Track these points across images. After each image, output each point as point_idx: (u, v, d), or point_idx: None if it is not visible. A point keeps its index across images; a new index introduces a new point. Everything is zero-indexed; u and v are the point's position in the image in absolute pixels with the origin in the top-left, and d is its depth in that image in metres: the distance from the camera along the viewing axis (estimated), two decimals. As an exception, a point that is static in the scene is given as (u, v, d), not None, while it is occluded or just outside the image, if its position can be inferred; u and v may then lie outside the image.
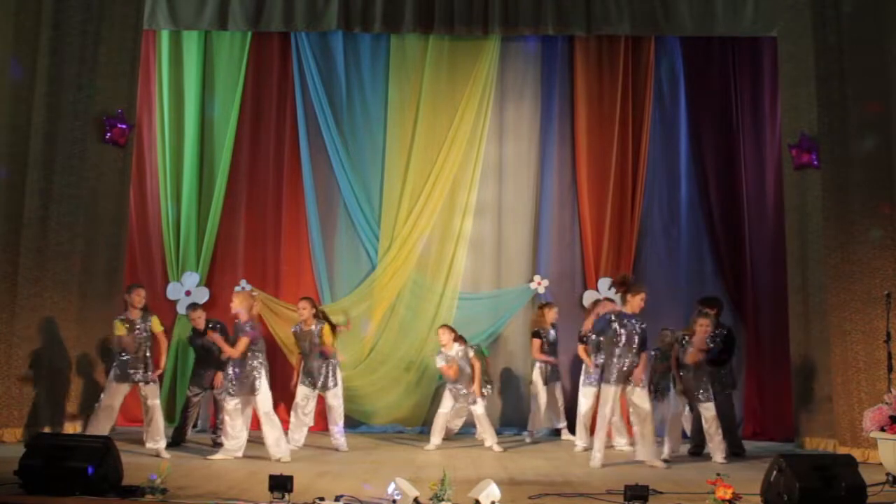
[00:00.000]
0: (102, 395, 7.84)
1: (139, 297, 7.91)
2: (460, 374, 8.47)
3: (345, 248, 10.26)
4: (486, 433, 8.55)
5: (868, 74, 8.31)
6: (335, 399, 8.39)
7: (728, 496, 5.39)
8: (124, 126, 9.04)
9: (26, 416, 8.21)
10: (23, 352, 8.23)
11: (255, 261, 10.18)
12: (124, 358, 7.75)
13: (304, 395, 8.37)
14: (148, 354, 7.82)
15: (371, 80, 10.35)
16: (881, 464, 6.67)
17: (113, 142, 8.99)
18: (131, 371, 7.74)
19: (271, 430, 7.43)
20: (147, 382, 7.76)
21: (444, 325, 8.84)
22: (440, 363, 8.55)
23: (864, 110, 8.29)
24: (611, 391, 7.50)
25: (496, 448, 8.39)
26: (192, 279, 10.01)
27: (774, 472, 5.57)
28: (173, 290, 9.98)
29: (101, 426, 7.66)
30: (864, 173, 8.24)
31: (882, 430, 6.62)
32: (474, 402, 8.53)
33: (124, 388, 7.81)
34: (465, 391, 8.49)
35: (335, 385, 8.37)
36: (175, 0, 9.92)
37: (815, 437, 8.71)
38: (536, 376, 9.06)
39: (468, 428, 9.31)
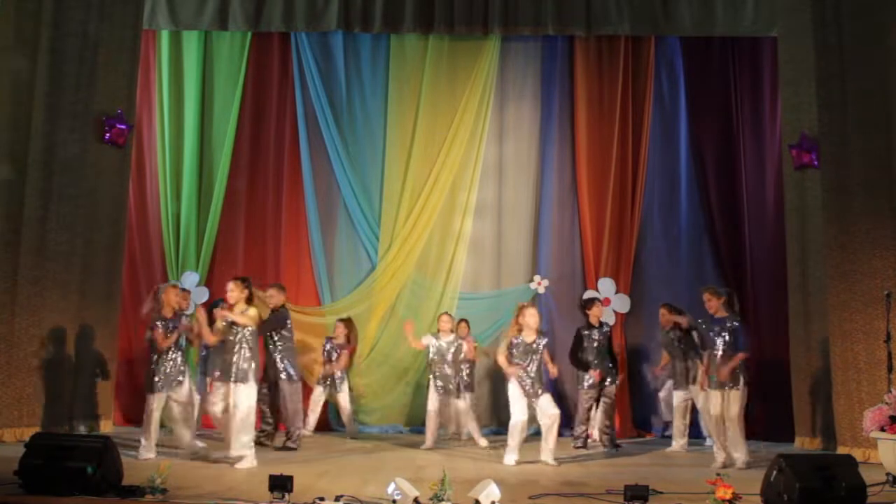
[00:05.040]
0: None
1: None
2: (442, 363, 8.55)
3: (345, 248, 10.27)
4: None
5: (868, 74, 8.30)
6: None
7: (728, 496, 5.38)
8: (123, 126, 9.05)
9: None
10: (22, 352, 8.22)
11: (255, 261, 10.18)
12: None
13: None
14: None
15: (371, 80, 10.36)
16: (881, 464, 6.66)
17: (112, 142, 9.00)
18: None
19: None
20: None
21: (448, 314, 8.98)
22: (424, 341, 8.68)
23: (864, 110, 8.28)
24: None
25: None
26: (191, 279, 10.01)
27: (774, 472, 5.56)
28: (173, 290, 9.99)
29: None
30: (864, 173, 8.23)
31: (882, 430, 6.61)
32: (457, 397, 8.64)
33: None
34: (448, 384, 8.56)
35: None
36: (175, 0, 9.92)
37: (814, 437, 8.71)
38: None
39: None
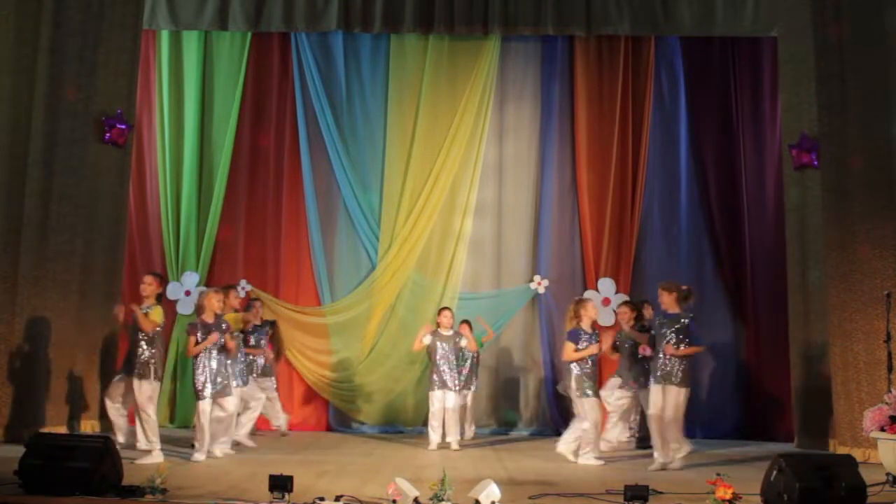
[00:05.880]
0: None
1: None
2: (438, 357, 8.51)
3: (345, 248, 10.27)
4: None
5: (868, 74, 8.29)
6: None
7: (728, 496, 5.38)
8: (123, 126, 9.05)
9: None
10: (22, 352, 8.22)
11: (255, 261, 10.19)
12: None
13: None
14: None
15: (371, 80, 10.36)
16: (881, 464, 6.66)
17: (112, 142, 9.00)
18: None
19: None
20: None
21: (448, 309, 8.92)
22: (426, 341, 8.56)
23: (864, 110, 8.28)
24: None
25: (454, 446, 8.43)
26: (192, 279, 10.02)
27: (774, 472, 5.56)
28: (173, 290, 9.97)
29: None
30: (864, 173, 8.22)
31: (882, 430, 6.61)
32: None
33: None
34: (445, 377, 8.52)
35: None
36: (175, 0, 9.92)
37: (814, 437, 8.70)
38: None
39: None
